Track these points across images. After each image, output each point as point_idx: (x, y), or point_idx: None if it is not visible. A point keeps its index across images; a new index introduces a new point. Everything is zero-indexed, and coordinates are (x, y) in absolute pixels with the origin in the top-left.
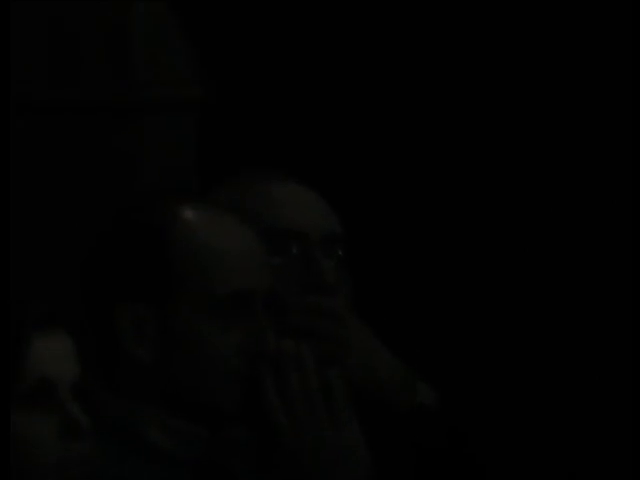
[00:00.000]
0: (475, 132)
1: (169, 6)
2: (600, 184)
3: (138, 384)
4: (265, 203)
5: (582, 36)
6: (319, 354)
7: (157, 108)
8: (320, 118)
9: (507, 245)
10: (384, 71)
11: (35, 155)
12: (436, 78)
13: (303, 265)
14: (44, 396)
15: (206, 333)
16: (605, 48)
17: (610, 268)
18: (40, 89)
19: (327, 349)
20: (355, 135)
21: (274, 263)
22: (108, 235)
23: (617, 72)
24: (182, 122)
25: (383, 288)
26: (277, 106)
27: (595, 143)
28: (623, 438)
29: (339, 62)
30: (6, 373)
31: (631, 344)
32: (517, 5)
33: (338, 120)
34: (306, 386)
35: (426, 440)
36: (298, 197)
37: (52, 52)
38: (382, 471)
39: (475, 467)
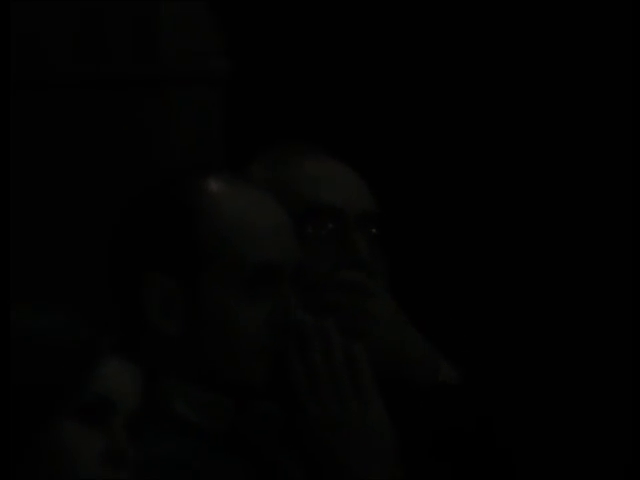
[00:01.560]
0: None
1: None
2: (602, 179)
3: (164, 356)
4: (302, 179)
5: (582, 36)
6: (345, 329)
7: (183, 81)
8: (350, 91)
9: (533, 224)
10: (412, 40)
11: (60, 129)
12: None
13: (338, 241)
14: (99, 416)
15: (233, 306)
16: (605, 48)
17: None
18: (65, 63)
19: (352, 324)
20: (387, 109)
21: (308, 238)
22: (137, 207)
23: (617, 72)
24: (209, 95)
25: (415, 266)
26: (305, 79)
27: (595, 142)
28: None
29: (367, 33)
30: (6, 378)
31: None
32: (522, 4)
33: (369, 93)
34: (331, 361)
35: (448, 418)
36: (335, 173)
37: (78, 25)
38: (404, 447)
39: (496, 445)
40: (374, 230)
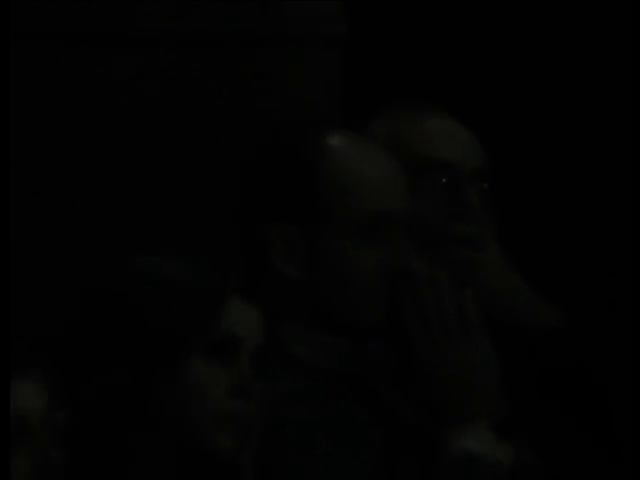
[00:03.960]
0: None
1: None
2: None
3: (286, 300)
4: (418, 135)
5: (582, 36)
6: (456, 278)
7: (304, 43)
8: (466, 52)
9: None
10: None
11: (181, 87)
12: None
13: (450, 195)
14: (227, 352)
15: (350, 252)
16: (605, 48)
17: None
18: (183, 22)
19: (464, 273)
20: (502, 69)
21: (422, 192)
22: (263, 162)
23: (617, 72)
24: (328, 58)
25: (525, 221)
26: (422, 40)
27: (595, 141)
28: None
29: None
30: (6, 375)
31: None
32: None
33: (485, 54)
34: (441, 305)
35: (554, 361)
36: (450, 130)
37: None
38: (510, 390)
39: (599, 388)
40: (485, 185)
